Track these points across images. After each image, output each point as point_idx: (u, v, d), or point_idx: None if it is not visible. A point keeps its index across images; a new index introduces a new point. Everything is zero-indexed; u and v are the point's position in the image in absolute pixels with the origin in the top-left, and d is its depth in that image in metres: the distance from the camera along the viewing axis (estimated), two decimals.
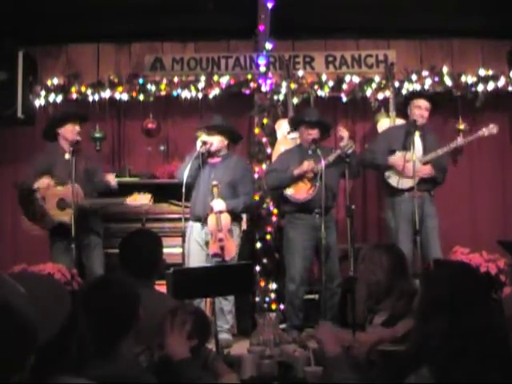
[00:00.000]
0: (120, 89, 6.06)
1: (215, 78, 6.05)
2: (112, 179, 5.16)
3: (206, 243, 5.00)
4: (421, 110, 5.19)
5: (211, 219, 4.93)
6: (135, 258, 3.05)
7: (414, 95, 5.48)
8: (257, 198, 5.59)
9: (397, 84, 5.98)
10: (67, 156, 5.03)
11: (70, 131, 5.09)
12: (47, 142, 5.22)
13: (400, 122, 5.77)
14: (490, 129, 5.17)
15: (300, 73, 6.10)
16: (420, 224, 5.00)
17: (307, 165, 5.11)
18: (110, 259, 5.35)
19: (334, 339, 2.34)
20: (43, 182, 5.01)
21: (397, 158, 5.15)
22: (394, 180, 5.17)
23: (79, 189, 4.93)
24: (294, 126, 5.41)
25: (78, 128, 5.13)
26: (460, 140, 5.16)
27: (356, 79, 6.06)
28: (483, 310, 1.80)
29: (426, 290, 1.96)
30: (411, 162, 4.90)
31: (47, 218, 5.03)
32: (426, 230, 5.09)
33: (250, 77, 6.06)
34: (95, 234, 5.16)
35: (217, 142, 5.10)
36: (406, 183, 5.05)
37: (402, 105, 5.48)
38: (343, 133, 5.16)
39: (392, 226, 5.16)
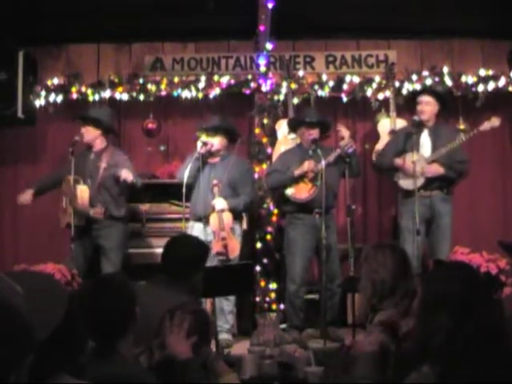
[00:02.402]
0: (120, 89, 6.05)
1: (215, 78, 6.04)
2: (126, 174, 4.98)
3: (209, 243, 4.99)
4: (421, 105, 5.17)
5: (213, 218, 4.93)
6: (176, 262, 3.01)
7: (417, 92, 5.48)
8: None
9: (397, 84, 5.98)
10: (92, 156, 5.15)
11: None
12: None
13: (401, 122, 5.77)
14: (492, 122, 5.07)
15: (300, 73, 6.09)
16: (427, 224, 5.01)
17: (308, 165, 5.11)
18: (127, 258, 5.35)
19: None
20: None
21: (400, 160, 5.14)
22: (402, 182, 5.17)
23: (85, 194, 4.96)
24: (294, 127, 5.40)
25: (82, 129, 5.16)
26: (463, 136, 5.10)
27: (356, 79, 6.05)
28: (485, 310, 1.80)
29: (426, 289, 1.96)
30: (416, 163, 4.90)
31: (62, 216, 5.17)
32: (436, 229, 5.09)
33: (250, 77, 6.06)
34: (114, 235, 5.14)
35: (217, 142, 5.11)
36: (412, 184, 5.01)
37: (411, 105, 5.46)
38: (344, 132, 5.16)
39: (403, 225, 5.16)
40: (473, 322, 1.75)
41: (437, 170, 5.09)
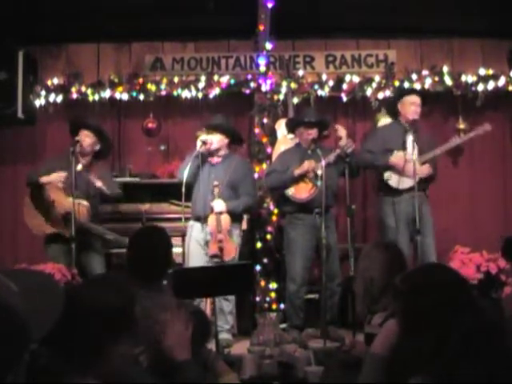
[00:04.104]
0: (120, 88, 6.06)
1: (215, 77, 6.05)
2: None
3: (207, 243, 5.00)
4: (415, 106, 5.19)
5: (211, 220, 4.93)
6: (149, 259, 2.83)
7: (406, 92, 5.47)
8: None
9: (397, 84, 5.99)
10: (79, 167, 5.01)
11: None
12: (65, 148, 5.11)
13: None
14: (484, 127, 5.18)
15: (300, 72, 6.09)
16: (413, 224, 5.02)
17: (308, 164, 5.10)
18: (109, 259, 5.36)
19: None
20: (53, 177, 4.99)
21: (397, 159, 5.14)
22: (394, 181, 5.15)
23: (88, 209, 4.99)
24: (293, 127, 5.40)
25: (83, 138, 5.08)
26: (456, 139, 5.16)
27: (356, 79, 6.06)
28: (470, 311, 1.78)
29: (399, 307, 1.93)
30: (411, 162, 4.90)
31: (54, 211, 5.01)
32: (422, 229, 5.09)
33: (250, 77, 6.06)
34: (95, 237, 5.15)
35: (216, 140, 5.09)
36: (406, 183, 5.05)
37: (391, 103, 5.45)
38: (341, 132, 5.15)
39: (390, 225, 5.15)
40: (461, 326, 1.73)
41: (428, 170, 5.14)
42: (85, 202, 5.00)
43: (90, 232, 5.03)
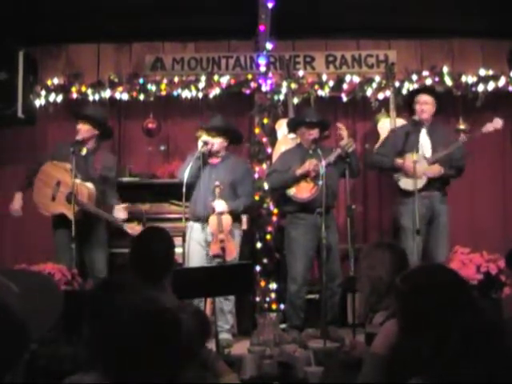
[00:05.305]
0: (120, 89, 6.06)
1: (215, 77, 6.05)
2: (121, 212, 5.09)
3: (208, 244, 5.00)
4: (420, 104, 5.18)
5: (212, 220, 4.93)
6: (151, 260, 2.91)
7: (414, 92, 5.48)
8: (257, 198, 5.60)
9: (397, 84, 5.98)
10: (84, 151, 5.12)
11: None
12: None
13: (401, 121, 5.77)
14: (495, 124, 5.08)
15: (300, 73, 6.10)
16: (428, 224, 5.02)
17: (309, 164, 5.11)
18: (112, 259, 5.36)
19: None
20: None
21: (401, 160, 5.14)
22: (402, 182, 5.16)
23: (90, 191, 4.98)
24: (293, 127, 5.40)
25: (78, 127, 5.15)
26: (463, 137, 5.13)
27: (356, 79, 6.06)
28: (470, 311, 1.78)
29: (400, 306, 1.93)
30: (417, 163, 4.89)
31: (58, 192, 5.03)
32: (435, 228, 5.10)
33: (250, 77, 6.06)
34: (99, 232, 5.15)
35: (218, 143, 5.11)
36: (414, 184, 5.02)
37: (408, 105, 5.44)
38: (342, 131, 5.15)
39: (404, 225, 5.15)
40: (461, 326, 1.73)
41: (438, 170, 5.11)
42: (89, 185, 5.01)
43: (92, 216, 5.01)
